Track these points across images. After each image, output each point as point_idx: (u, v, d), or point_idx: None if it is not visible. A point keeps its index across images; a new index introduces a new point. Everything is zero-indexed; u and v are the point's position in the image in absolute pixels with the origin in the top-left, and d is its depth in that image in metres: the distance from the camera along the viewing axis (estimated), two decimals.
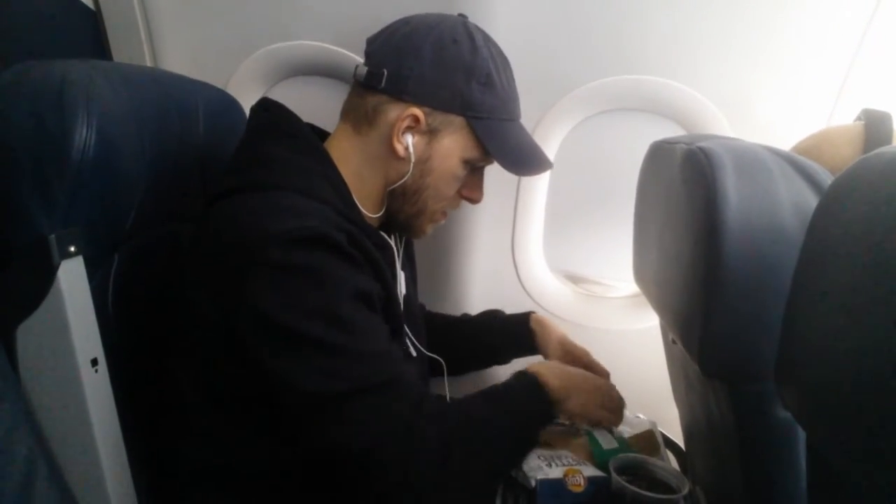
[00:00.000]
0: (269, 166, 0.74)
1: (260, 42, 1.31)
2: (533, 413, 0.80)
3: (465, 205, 1.49)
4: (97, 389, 0.69)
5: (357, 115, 0.81)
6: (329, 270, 0.66)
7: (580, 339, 1.47)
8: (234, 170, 0.75)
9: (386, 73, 0.77)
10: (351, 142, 0.82)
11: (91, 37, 1.30)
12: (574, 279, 1.51)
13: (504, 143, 0.81)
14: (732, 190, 0.66)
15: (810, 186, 0.69)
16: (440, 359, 0.97)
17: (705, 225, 0.68)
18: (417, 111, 0.77)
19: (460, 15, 0.83)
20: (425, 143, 0.79)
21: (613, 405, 0.89)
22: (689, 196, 0.73)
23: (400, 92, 0.77)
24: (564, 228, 1.44)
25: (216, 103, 0.95)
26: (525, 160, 0.83)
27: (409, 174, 0.80)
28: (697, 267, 0.71)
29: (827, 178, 0.69)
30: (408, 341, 0.87)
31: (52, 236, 0.65)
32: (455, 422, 0.70)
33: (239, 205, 0.69)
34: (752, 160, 0.70)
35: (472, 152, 0.81)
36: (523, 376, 0.81)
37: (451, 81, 0.77)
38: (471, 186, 0.88)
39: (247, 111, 1.37)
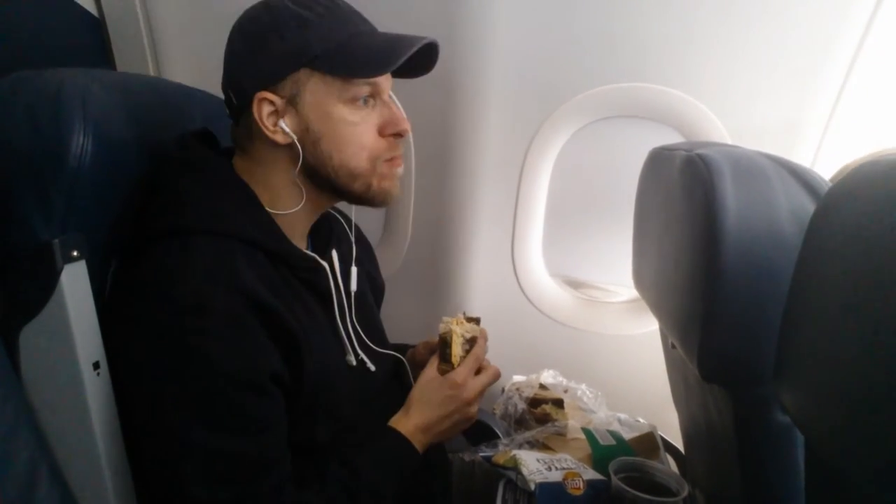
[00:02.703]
0: (179, 208, 0.74)
1: None
2: (399, 477, 0.81)
3: (464, 209, 1.48)
4: (99, 392, 0.69)
5: (239, 139, 0.81)
6: (204, 354, 0.66)
7: (580, 344, 1.48)
8: (151, 213, 0.75)
9: (230, 91, 0.78)
10: (246, 160, 0.81)
11: (96, 47, 1.31)
12: (574, 284, 1.52)
13: (351, 58, 0.76)
14: (731, 196, 0.67)
15: (808, 193, 0.70)
16: (401, 357, 0.96)
17: (704, 231, 0.68)
18: (261, 94, 0.75)
19: None
20: (295, 114, 0.76)
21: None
22: (688, 202, 0.74)
23: (245, 96, 0.76)
24: (564, 233, 1.45)
25: (214, 111, 0.95)
26: (379, 57, 0.76)
27: (302, 151, 0.77)
28: (696, 272, 0.71)
29: (824, 185, 0.70)
30: (362, 354, 0.86)
31: (56, 241, 0.65)
32: None
33: (151, 261, 0.70)
34: (751, 167, 0.71)
35: (337, 88, 0.76)
36: (387, 438, 0.82)
37: (268, 50, 0.74)
38: (384, 121, 0.80)
39: None
